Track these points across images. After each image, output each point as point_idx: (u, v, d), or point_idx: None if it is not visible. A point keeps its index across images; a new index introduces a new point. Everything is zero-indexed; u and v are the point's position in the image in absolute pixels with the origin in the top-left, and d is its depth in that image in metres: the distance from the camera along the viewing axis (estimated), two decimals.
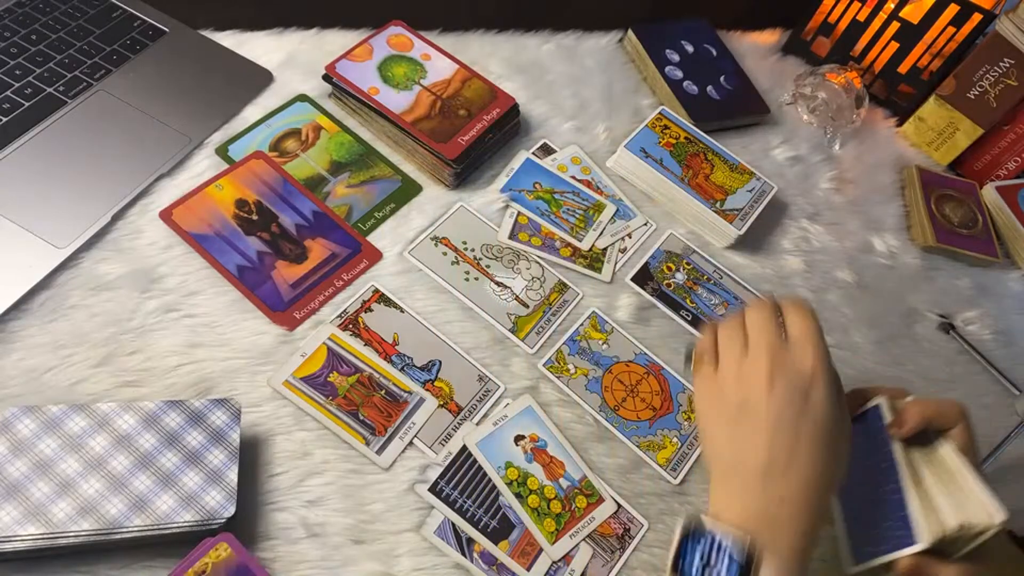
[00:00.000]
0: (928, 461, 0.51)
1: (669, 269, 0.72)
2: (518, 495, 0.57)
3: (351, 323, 0.62)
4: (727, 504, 0.48)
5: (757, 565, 0.44)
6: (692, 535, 0.45)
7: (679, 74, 0.87)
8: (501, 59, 0.84)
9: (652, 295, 0.70)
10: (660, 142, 0.78)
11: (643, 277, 0.71)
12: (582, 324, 0.67)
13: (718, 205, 0.75)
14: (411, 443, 0.58)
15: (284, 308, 0.61)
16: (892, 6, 0.89)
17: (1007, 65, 0.83)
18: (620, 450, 0.61)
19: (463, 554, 0.54)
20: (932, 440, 0.52)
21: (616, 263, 0.72)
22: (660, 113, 0.80)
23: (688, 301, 0.71)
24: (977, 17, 0.83)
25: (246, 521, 0.51)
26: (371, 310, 0.63)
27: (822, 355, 0.49)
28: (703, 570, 0.44)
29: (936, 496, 0.49)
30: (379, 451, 0.57)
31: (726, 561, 0.44)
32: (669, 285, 0.71)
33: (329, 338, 0.60)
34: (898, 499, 0.50)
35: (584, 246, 0.71)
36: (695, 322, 0.69)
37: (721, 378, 0.51)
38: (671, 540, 0.46)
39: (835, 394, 0.49)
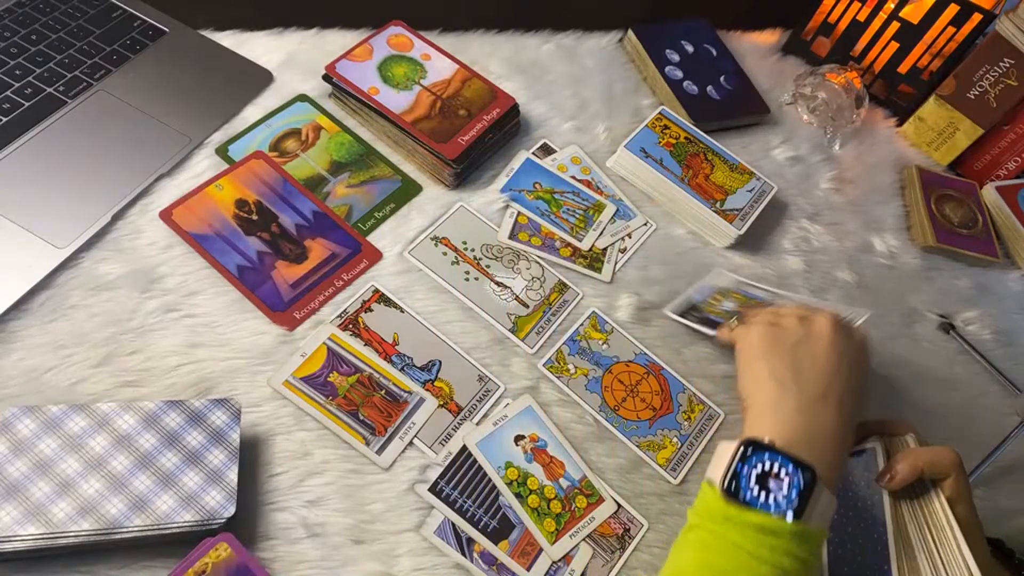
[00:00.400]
0: (917, 512, 0.51)
1: (717, 300, 0.68)
2: (518, 495, 0.57)
3: (351, 323, 0.62)
4: (776, 427, 0.49)
5: (824, 479, 0.44)
6: (747, 454, 0.45)
7: (679, 74, 0.87)
8: (501, 59, 0.84)
9: (694, 321, 0.66)
10: (660, 142, 0.78)
11: (686, 309, 0.68)
12: (582, 324, 0.67)
13: (718, 205, 0.75)
14: (411, 443, 0.58)
15: (284, 308, 0.61)
16: (892, 6, 0.89)
17: (1007, 65, 0.83)
18: (620, 450, 0.61)
19: (463, 554, 0.54)
20: (925, 489, 0.52)
21: (616, 263, 0.72)
22: (660, 113, 0.80)
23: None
24: (977, 17, 0.83)
25: (246, 521, 0.51)
26: (371, 310, 0.63)
27: (868, 339, 0.57)
28: (763, 482, 0.44)
29: (919, 555, 0.49)
30: (379, 451, 0.57)
31: (791, 471, 0.44)
32: (714, 311, 0.66)
33: (329, 338, 0.60)
34: (883, 552, 0.50)
35: (584, 246, 0.71)
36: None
37: (781, 318, 0.57)
38: (720, 458, 0.46)
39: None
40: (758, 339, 0.55)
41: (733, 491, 0.44)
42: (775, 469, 0.44)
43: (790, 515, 0.43)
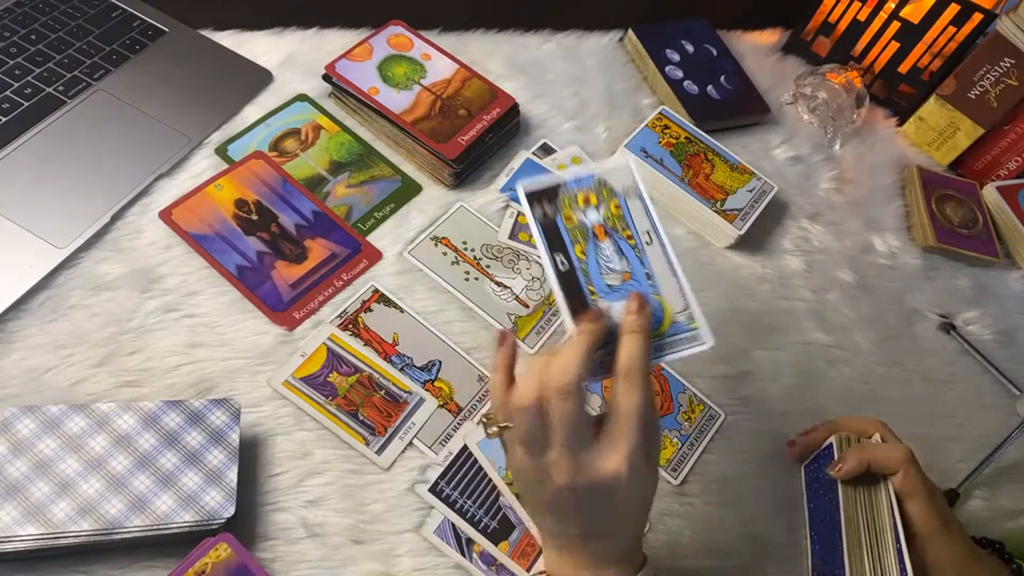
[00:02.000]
0: (866, 508, 0.52)
1: (586, 202, 0.48)
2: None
3: (351, 323, 0.62)
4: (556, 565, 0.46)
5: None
6: None
7: (679, 74, 0.86)
8: (501, 59, 0.84)
9: (535, 218, 0.46)
10: (660, 142, 0.78)
11: (545, 194, 0.47)
12: None
13: (718, 205, 0.75)
14: (411, 443, 0.58)
15: (284, 308, 0.61)
16: (892, 6, 0.89)
17: (1007, 65, 0.83)
18: None
19: (463, 554, 0.54)
20: (876, 485, 0.53)
21: None
22: (660, 113, 0.80)
23: (578, 250, 0.46)
24: (977, 17, 0.83)
25: (246, 521, 0.51)
26: (371, 310, 0.63)
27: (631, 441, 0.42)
28: None
29: (864, 551, 0.50)
30: (379, 451, 0.57)
31: None
32: (568, 220, 0.47)
33: (329, 338, 0.60)
34: (839, 541, 0.52)
35: None
36: (565, 277, 0.46)
37: (513, 441, 0.44)
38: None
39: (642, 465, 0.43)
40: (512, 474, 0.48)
41: None
42: None
43: None
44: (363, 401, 0.58)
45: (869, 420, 0.59)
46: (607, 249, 0.47)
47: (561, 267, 0.46)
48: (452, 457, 0.57)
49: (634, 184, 0.49)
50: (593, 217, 0.48)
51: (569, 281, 0.46)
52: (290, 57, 0.77)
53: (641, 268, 0.48)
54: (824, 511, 0.56)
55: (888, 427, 0.58)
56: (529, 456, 0.42)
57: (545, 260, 0.46)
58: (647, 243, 0.49)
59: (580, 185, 0.48)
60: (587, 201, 0.48)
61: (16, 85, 0.66)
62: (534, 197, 0.47)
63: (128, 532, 0.46)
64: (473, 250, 0.69)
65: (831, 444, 0.57)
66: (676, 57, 0.88)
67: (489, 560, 0.54)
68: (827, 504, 0.55)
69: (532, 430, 0.42)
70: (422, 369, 0.61)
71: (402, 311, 0.64)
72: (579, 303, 0.45)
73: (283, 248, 0.64)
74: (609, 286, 0.47)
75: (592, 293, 0.46)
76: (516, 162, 0.76)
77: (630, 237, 0.48)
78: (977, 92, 0.86)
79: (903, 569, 0.48)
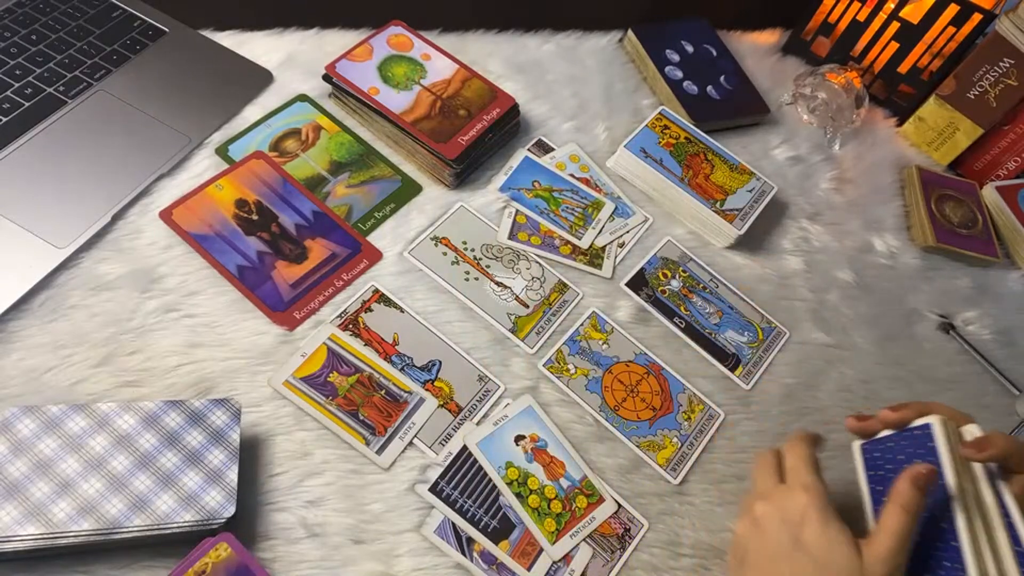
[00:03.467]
0: (976, 500, 0.48)
1: (664, 276, 0.71)
2: (518, 495, 0.57)
3: (351, 323, 0.62)
4: None
5: None
6: None
7: (679, 74, 0.87)
8: (501, 59, 0.84)
9: (646, 301, 0.69)
10: (660, 142, 0.78)
11: (638, 282, 0.71)
12: (582, 324, 0.67)
13: (718, 205, 0.75)
14: (411, 443, 0.58)
15: (284, 308, 0.61)
16: (892, 6, 0.89)
17: (1007, 65, 0.83)
18: (620, 450, 0.61)
19: (463, 554, 0.54)
20: (991, 478, 0.48)
21: (616, 259, 0.72)
22: (660, 113, 0.80)
23: (682, 309, 0.70)
24: (977, 17, 0.83)
25: (246, 521, 0.51)
26: (371, 310, 0.63)
27: (814, 494, 0.49)
28: None
29: (982, 540, 0.46)
30: (379, 451, 0.57)
31: None
32: (664, 292, 0.70)
33: (329, 338, 0.60)
34: (948, 529, 0.47)
35: (583, 244, 0.71)
36: (688, 330, 0.69)
37: (762, 516, 0.51)
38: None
39: (825, 524, 0.47)
40: (735, 545, 0.52)
41: None
42: None
43: None
44: (363, 401, 0.58)
45: (957, 412, 0.53)
46: (697, 301, 0.71)
47: None
48: (452, 457, 0.57)
49: (681, 254, 0.73)
50: (675, 285, 0.70)
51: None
52: (290, 57, 0.77)
53: (725, 304, 0.71)
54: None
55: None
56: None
57: None
58: (716, 287, 0.72)
59: (652, 265, 0.72)
60: (665, 275, 0.71)
61: (16, 85, 0.66)
62: (636, 287, 0.69)
63: (128, 532, 0.46)
64: (473, 250, 0.69)
65: (929, 425, 0.51)
66: (676, 57, 0.88)
67: (490, 559, 0.54)
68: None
69: None
70: (422, 369, 0.61)
71: (402, 311, 0.64)
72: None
73: (283, 248, 0.64)
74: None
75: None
76: (514, 160, 0.76)
77: (703, 287, 0.72)
78: (976, 92, 0.86)
79: (1016, 538, 0.45)
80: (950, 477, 0.48)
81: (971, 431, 0.50)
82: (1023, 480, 0.48)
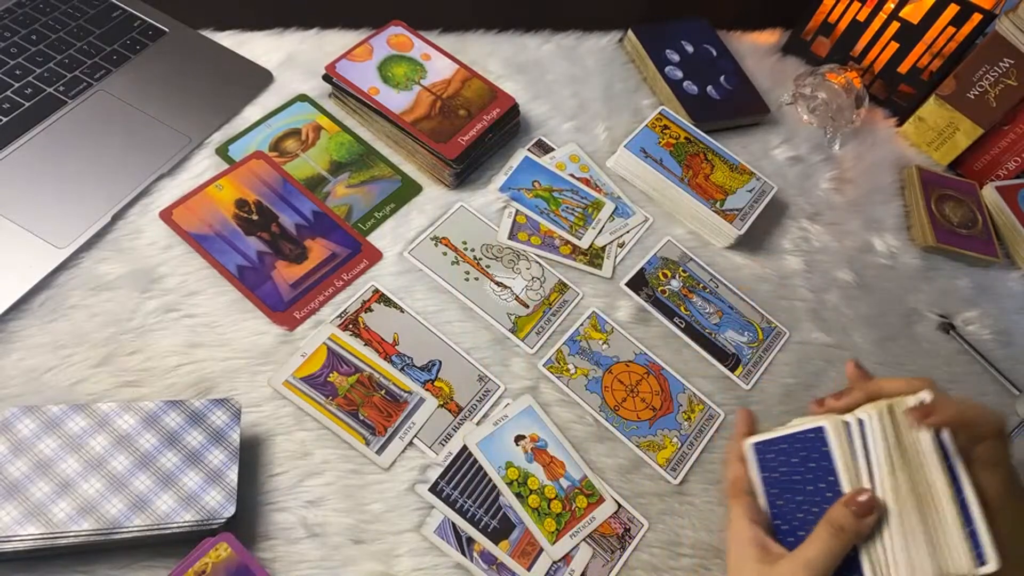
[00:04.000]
0: (914, 491, 0.46)
1: (664, 276, 0.71)
2: (518, 495, 0.57)
3: (351, 323, 0.62)
4: None
5: None
6: None
7: (679, 74, 0.87)
8: (501, 59, 0.84)
9: (646, 301, 0.70)
10: (660, 142, 0.78)
11: (638, 282, 0.71)
12: (582, 324, 0.67)
13: (718, 205, 0.75)
14: (411, 443, 0.58)
15: (284, 308, 0.61)
16: (892, 6, 0.89)
17: (1007, 65, 0.83)
18: (620, 450, 0.61)
19: (463, 554, 0.54)
20: (945, 456, 0.47)
21: (616, 259, 0.72)
22: (660, 113, 0.80)
23: (682, 309, 0.70)
24: (977, 17, 0.83)
25: (246, 521, 0.51)
26: (371, 310, 0.63)
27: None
28: None
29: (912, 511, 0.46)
30: (379, 451, 0.57)
31: None
32: (664, 292, 0.71)
33: (329, 338, 0.60)
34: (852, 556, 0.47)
35: (583, 244, 0.72)
36: (688, 330, 0.69)
37: None
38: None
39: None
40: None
41: None
42: None
43: None
44: (363, 401, 0.58)
45: (914, 380, 0.51)
46: (697, 301, 0.71)
47: None
48: (452, 457, 0.57)
49: (682, 252, 0.74)
50: (675, 285, 0.70)
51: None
52: (290, 57, 0.77)
53: (725, 304, 0.71)
54: (801, 482, 0.51)
55: (936, 386, 0.50)
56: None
57: None
58: (716, 287, 0.72)
59: (652, 265, 0.72)
60: (665, 275, 0.72)
61: (17, 85, 0.66)
62: (635, 286, 0.70)
63: (128, 532, 0.46)
64: (473, 250, 0.69)
65: (822, 428, 0.51)
66: (676, 57, 0.88)
67: (490, 559, 0.54)
68: (808, 473, 0.51)
69: None
70: (422, 369, 0.61)
71: (402, 311, 0.64)
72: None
73: (283, 248, 0.64)
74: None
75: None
76: (514, 160, 0.76)
77: (703, 287, 0.72)
78: (976, 92, 0.86)
79: (968, 518, 0.44)
80: (844, 482, 0.48)
81: (921, 398, 0.49)
82: (990, 444, 0.47)
